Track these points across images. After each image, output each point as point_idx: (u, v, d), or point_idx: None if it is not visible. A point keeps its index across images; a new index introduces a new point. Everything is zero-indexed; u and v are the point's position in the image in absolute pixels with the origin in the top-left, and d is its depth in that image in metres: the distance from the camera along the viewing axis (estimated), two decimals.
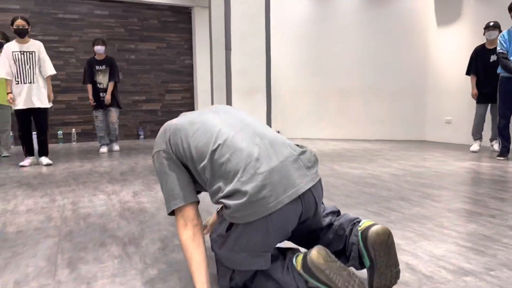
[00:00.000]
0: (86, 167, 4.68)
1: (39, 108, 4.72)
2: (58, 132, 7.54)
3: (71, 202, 2.98)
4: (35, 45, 4.71)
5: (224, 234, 1.36)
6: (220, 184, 1.34)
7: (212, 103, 4.94)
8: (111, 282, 1.62)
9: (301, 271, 1.34)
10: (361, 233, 1.42)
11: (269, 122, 4.70)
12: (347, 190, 3.26)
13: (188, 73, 8.61)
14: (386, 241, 1.39)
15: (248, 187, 1.28)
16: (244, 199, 1.27)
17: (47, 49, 7.43)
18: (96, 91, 5.94)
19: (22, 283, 1.63)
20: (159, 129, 8.18)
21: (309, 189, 1.38)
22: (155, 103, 8.36)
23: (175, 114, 8.55)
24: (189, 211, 1.42)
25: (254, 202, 1.27)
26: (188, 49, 8.57)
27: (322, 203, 1.57)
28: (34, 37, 7.29)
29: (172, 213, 1.46)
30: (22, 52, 4.62)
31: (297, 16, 7.86)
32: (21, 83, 4.63)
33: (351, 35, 7.53)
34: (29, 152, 4.87)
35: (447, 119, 6.89)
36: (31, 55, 4.65)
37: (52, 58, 7.46)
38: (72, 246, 2.05)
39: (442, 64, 6.95)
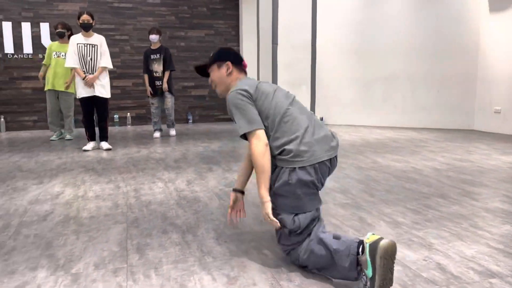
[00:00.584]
0: (143, 153, 5.08)
1: (100, 97, 5.13)
2: (115, 116, 8.06)
3: (133, 189, 3.34)
4: (98, 39, 5.10)
5: (287, 180, 1.81)
6: (285, 136, 1.85)
7: None
8: (174, 267, 1.91)
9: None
10: (369, 245, 1.57)
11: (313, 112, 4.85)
12: (388, 185, 3.39)
13: None
14: (394, 254, 1.53)
15: (306, 140, 1.82)
16: (302, 148, 1.80)
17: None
18: (152, 79, 6.32)
19: (101, 266, 1.95)
20: (206, 114, 8.56)
21: (335, 157, 1.91)
22: (203, 89, 8.68)
23: (222, 100, 8.84)
24: (263, 134, 1.85)
25: (308, 151, 1.80)
26: (235, 36, 8.77)
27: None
28: None
29: (243, 136, 1.91)
30: (85, 45, 5.02)
31: (344, 1, 7.80)
32: (85, 74, 5.05)
33: (398, 21, 7.40)
34: (91, 137, 5.33)
35: (496, 109, 6.70)
36: (93, 48, 5.05)
37: (108, 45, 7.93)
38: (138, 233, 2.37)
39: (494, 51, 6.71)
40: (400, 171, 3.91)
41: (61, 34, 6.20)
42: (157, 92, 6.38)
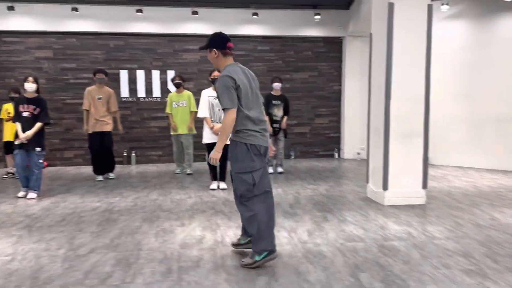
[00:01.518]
0: None
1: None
2: None
3: None
4: None
5: (246, 150, 3.02)
6: (245, 124, 3.00)
7: (368, 146, 5.34)
8: None
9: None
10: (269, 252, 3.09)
11: (425, 165, 4.93)
12: (511, 250, 3.38)
13: (335, 98, 9.16)
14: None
15: (256, 130, 3.05)
16: (254, 134, 3.03)
17: None
18: (271, 122, 6.98)
19: None
20: (307, 150, 9.01)
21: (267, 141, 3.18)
22: (305, 126, 9.12)
23: (322, 137, 9.20)
24: (235, 112, 2.95)
25: (256, 137, 3.04)
26: (337, 76, 9.11)
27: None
28: (207, 72, 8.67)
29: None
30: (215, 97, 5.71)
31: (455, 41, 7.73)
32: (212, 122, 5.76)
33: (511, 62, 7.14)
34: (214, 177, 5.99)
35: None
36: None
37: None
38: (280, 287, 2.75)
39: None
40: None
41: (178, 84, 7.10)
42: (275, 133, 7.02)
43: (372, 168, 5.24)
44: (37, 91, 5.69)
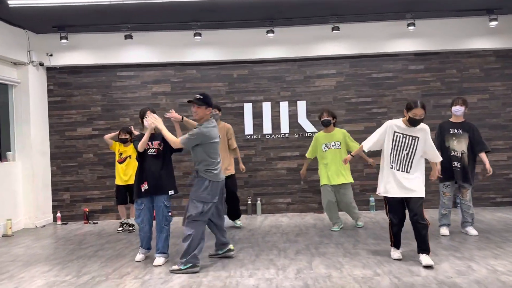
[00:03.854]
0: (491, 277, 3.68)
1: (416, 198, 4.01)
2: (370, 199, 7.04)
3: None
4: (422, 129, 4.07)
5: (204, 186, 4.04)
6: (209, 166, 4.07)
7: None
8: None
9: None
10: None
11: None
12: None
13: None
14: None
15: (217, 172, 4.11)
16: (215, 173, 4.08)
17: (359, 111, 7.18)
18: (449, 158, 4.99)
19: None
20: (479, 196, 6.68)
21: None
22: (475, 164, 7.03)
23: (499, 178, 7.02)
24: (178, 147, 4.17)
25: (216, 175, 4.08)
26: None
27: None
28: (348, 100, 7.13)
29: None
30: (404, 136, 4.03)
31: None
32: (393, 169, 4.09)
33: None
34: (396, 244, 4.21)
35: None
36: (413, 141, 4.00)
37: (364, 120, 7.16)
38: None
39: None
40: None
41: (327, 123, 5.63)
42: (453, 177, 5.05)
43: None
44: None
